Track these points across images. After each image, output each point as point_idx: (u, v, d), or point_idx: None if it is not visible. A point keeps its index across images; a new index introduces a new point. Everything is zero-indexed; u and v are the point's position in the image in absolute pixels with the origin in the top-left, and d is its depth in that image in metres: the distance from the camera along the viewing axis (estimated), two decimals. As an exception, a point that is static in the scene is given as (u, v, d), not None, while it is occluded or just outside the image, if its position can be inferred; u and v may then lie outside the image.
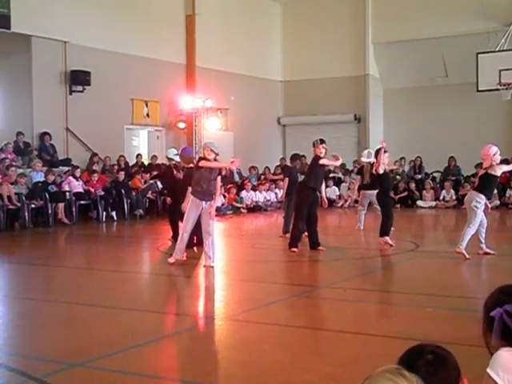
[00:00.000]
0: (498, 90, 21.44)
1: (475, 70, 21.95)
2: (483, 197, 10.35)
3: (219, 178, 10.37)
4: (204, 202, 10.07)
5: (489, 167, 10.36)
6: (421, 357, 2.28)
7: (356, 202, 22.21)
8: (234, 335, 6.38)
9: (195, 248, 11.74)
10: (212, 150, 10.00)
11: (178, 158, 13.22)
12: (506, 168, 10.91)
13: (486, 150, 10.44)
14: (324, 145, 12.21)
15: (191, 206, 10.14)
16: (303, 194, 11.90)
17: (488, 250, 10.74)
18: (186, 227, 10.24)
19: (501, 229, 16.41)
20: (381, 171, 12.23)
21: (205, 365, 5.45)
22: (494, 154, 10.35)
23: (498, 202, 21.19)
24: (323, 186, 12.68)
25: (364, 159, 14.25)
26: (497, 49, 22.29)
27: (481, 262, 10.51)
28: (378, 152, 12.55)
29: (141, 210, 19.21)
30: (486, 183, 10.46)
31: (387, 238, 12.19)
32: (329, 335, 6.18)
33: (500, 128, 24.47)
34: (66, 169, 18.63)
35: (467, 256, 10.39)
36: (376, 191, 13.12)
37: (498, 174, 10.42)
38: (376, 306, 7.75)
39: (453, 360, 2.30)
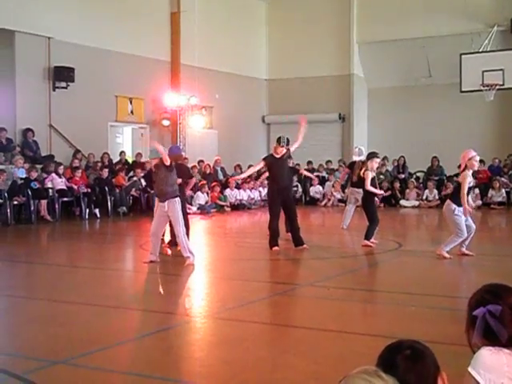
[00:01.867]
0: (481, 90, 21.58)
1: (459, 70, 22.07)
2: (456, 207, 10.35)
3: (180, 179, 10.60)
4: (164, 204, 10.12)
5: (461, 173, 10.40)
6: (399, 352, 2.28)
7: (340, 201, 22.35)
8: (216, 333, 6.38)
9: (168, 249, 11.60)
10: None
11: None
12: (464, 203, 10.35)
13: (463, 153, 10.49)
14: (284, 145, 12.30)
15: (156, 208, 10.39)
16: (271, 194, 12.01)
17: (467, 252, 10.77)
18: (151, 229, 10.38)
19: (483, 229, 16.49)
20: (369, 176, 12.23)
21: (187, 363, 5.44)
22: (470, 159, 10.30)
23: (480, 202, 21.35)
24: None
25: (355, 157, 14.20)
26: (480, 50, 22.43)
27: (463, 261, 10.57)
28: (370, 157, 12.56)
29: (124, 208, 19.13)
30: (458, 192, 10.49)
31: (367, 241, 12.22)
32: (312, 333, 6.19)
33: (483, 128, 24.66)
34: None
35: (448, 256, 10.46)
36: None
37: (465, 186, 10.25)
38: (359, 304, 7.77)
39: (430, 354, 2.31)
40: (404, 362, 2.26)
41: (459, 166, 10.59)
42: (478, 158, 10.52)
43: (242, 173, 21.65)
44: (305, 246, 11.83)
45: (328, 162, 25.37)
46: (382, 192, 14.20)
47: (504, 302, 2.69)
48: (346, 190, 15.75)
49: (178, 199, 10.15)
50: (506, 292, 2.76)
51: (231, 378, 4.84)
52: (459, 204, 10.31)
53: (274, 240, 11.78)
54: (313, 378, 4.77)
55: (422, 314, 6.77)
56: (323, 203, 23.35)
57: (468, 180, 10.29)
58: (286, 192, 12.02)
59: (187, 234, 10.99)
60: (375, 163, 12.53)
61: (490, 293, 2.77)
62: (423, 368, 2.29)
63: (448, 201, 10.68)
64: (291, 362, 5.18)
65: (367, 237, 12.25)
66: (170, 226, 10.62)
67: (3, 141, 18.11)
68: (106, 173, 19.10)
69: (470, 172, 10.35)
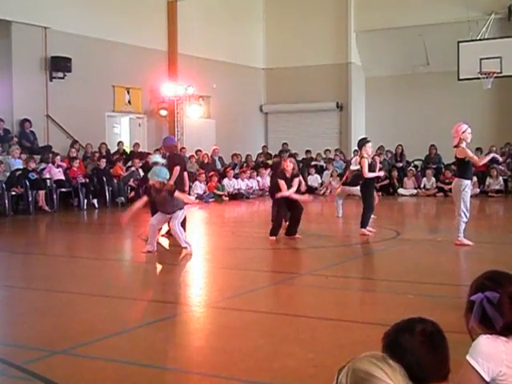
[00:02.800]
0: (478, 78, 21.53)
1: (456, 58, 22.02)
2: (466, 182, 10.40)
3: (177, 168, 10.47)
4: (168, 215, 10.27)
5: (457, 148, 10.38)
6: (413, 333, 2.32)
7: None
8: (215, 322, 6.39)
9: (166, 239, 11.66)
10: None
11: (160, 160, 12.92)
12: (479, 160, 10.81)
13: (455, 127, 10.47)
14: (293, 160, 12.53)
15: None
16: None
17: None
18: (151, 220, 10.42)
19: (481, 217, 16.53)
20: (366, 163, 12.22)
21: (186, 352, 5.45)
22: (463, 132, 10.32)
23: (477, 190, 21.35)
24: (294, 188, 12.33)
25: (353, 167, 14.16)
26: (478, 37, 22.37)
27: (461, 249, 10.58)
28: (362, 143, 12.58)
29: (122, 198, 19.13)
30: (461, 167, 10.51)
31: (364, 230, 12.24)
32: (310, 322, 6.20)
33: (481, 116, 24.60)
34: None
35: (470, 243, 10.49)
36: (356, 187, 13.27)
37: (470, 153, 10.39)
38: (357, 293, 7.79)
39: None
40: (428, 340, 2.29)
41: (456, 146, 10.55)
42: (470, 131, 10.53)
43: (240, 162, 21.72)
44: (297, 235, 11.84)
45: (326, 150, 25.35)
46: (381, 173, 14.22)
47: (503, 290, 2.70)
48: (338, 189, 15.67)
49: (182, 210, 10.28)
50: (506, 280, 2.77)
51: (230, 367, 4.85)
52: (469, 178, 10.36)
53: (276, 231, 11.81)
54: (311, 365, 4.78)
55: (420, 302, 6.79)
56: (321, 192, 23.35)
57: (466, 151, 10.35)
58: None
59: (184, 225, 11.03)
60: (368, 148, 12.48)
61: (490, 279, 2.78)
62: (447, 349, 2.33)
63: (456, 178, 10.64)
64: (290, 350, 5.19)
65: (363, 225, 12.25)
66: None
67: (0, 131, 18.09)
68: (103, 163, 19.08)
69: (464, 144, 10.38)
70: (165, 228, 11.72)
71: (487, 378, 2.66)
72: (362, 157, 12.32)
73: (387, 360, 2.05)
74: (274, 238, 11.71)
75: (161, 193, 10.09)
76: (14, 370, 4.79)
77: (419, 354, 2.28)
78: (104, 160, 19.24)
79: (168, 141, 13.19)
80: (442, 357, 2.34)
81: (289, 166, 11.99)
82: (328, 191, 23.17)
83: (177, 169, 11.73)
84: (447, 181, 21.70)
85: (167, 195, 10.06)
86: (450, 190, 11.90)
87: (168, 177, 10.34)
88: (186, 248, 10.14)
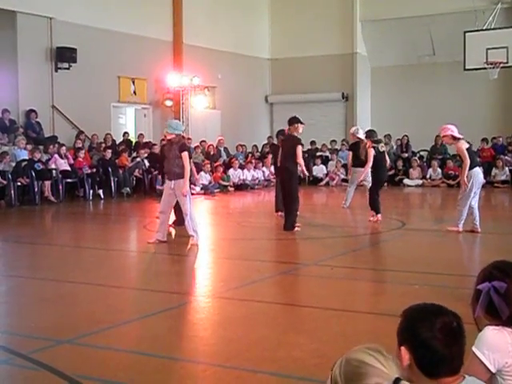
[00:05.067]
0: (485, 68, 21.43)
1: (462, 48, 21.91)
2: (470, 172, 10.51)
3: (186, 153, 10.30)
4: (171, 182, 10.17)
5: (456, 144, 10.56)
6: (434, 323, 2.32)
7: (344, 180, 22.32)
8: (220, 312, 6.40)
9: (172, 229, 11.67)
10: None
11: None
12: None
13: (444, 130, 10.95)
14: (302, 125, 11.92)
15: (164, 187, 10.42)
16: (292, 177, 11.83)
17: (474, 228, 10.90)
18: (160, 207, 10.43)
19: (487, 207, 16.49)
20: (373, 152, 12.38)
21: (191, 342, 5.47)
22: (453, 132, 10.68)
23: (483, 181, 21.30)
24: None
25: (361, 135, 14.16)
26: (484, 27, 22.26)
27: (467, 239, 10.58)
28: (369, 134, 12.73)
29: (128, 188, 19.15)
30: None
31: (378, 215, 12.42)
32: (315, 312, 6.21)
33: (487, 107, 24.56)
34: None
35: (458, 229, 10.62)
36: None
37: (462, 149, 10.54)
38: (362, 283, 7.79)
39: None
40: (448, 334, 2.30)
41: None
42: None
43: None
44: (297, 228, 11.63)
45: (332, 141, 25.27)
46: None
47: (511, 280, 2.70)
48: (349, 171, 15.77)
49: (183, 180, 10.15)
50: (514, 270, 2.77)
51: (235, 357, 4.87)
52: (471, 167, 10.56)
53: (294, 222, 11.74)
54: (316, 355, 4.79)
55: (426, 292, 6.78)
56: (325, 182, 23.32)
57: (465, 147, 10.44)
58: (282, 172, 11.97)
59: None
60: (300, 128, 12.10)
61: (498, 269, 2.78)
62: (464, 343, 2.34)
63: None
64: (295, 340, 5.20)
65: (377, 211, 12.38)
66: (175, 206, 10.65)
67: (6, 122, 18.09)
68: (109, 154, 19.08)
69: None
70: (171, 218, 11.74)
71: (493, 370, 2.66)
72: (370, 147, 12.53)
73: (381, 350, 2.05)
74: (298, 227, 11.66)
75: (172, 146, 10.15)
76: (20, 359, 4.82)
77: (435, 348, 2.28)
78: (110, 151, 19.24)
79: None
80: (458, 351, 2.34)
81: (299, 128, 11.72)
82: (334, 182, 23.14)
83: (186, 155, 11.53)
84: (450, 172, 21.67)
85: (177, 151, 10.08)
86: (457, 183, 12.10)
87: (183, 129, 10.44)
88: (192, 236, 10.14)
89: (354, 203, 14.91)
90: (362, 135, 13.94)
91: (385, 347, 2.05)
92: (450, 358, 2.30)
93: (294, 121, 11.87)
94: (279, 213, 12.85)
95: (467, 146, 10.78)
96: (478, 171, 10.77)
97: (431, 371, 2.28)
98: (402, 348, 2.30)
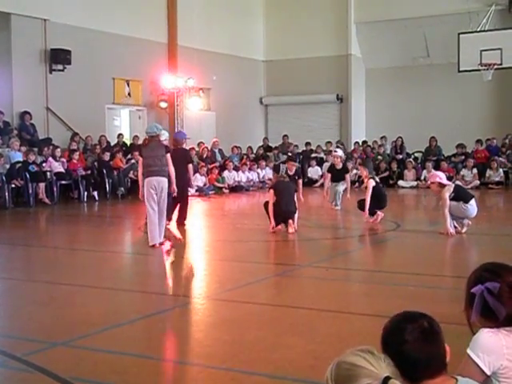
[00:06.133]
0: (479, 70, 21.49)
1: (457, 50, 21.97)
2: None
3: (168, 155, 10.27)
4: (154, 178, 10.09)
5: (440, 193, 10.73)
6: (411, 326, 2.32)
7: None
8: (215, 314, 6.40)
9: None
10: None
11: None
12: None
13: (433, 177, 11.06)
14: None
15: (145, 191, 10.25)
16: None
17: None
18: (149, 213, 10.29)
19: (481, 209, 16.49)
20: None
21: (186, 344, 5.46)
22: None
23: (477, 182, 21.39)
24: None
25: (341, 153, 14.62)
26: (478, 29, 22.32)
27: (461, 241, 10.59)
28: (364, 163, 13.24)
29: (122, 189, 19.14)
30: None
31: (378, 213, 12.49)
32: (310, 314, 6.21)
33: (481, 108, 24.63)
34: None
35: (452, 231, 10.61)
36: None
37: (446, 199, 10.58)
38: (357, 284, 7.79)
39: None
40: (418, 337, 2.29)
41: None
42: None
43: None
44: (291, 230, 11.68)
45: (328, 142, 25.28)
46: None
47: (503, 280, 2.70)
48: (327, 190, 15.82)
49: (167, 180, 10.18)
50: (504, 270, 2.76)
51: (230, 358, 4.86)
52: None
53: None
54: (311, 357, 4.79)
55: (420, 293, 6.79)
56: (321, 184, 23.32)
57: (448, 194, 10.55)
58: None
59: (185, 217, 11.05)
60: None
61: (488, 271, 2.78)
62: (439, 343, 2.33)
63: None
64: (290, 341, 5.20)
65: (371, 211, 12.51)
66: (176, 205, 10.70)
67: (0, 124, 18.05)
68: (107, 156, 19.14)
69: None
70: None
71: (488, 372, 2.66)
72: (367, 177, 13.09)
73: (372, 350, 2.06)
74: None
75: (158, 147, 10.14)
76: (15, 361, 4.80)
77: (407, 353, 2.28)
78: (108, 153, 19.27)
79: (180, 135, 13.50)
80: (435, 352, 2.34)
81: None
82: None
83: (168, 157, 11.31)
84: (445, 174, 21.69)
85: (162, 151, 10.10)
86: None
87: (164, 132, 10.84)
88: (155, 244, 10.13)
89: (348, 206, 14.91)
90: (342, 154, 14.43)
91: (378, 348, 2.05)
92: (426, 359, 2.30)
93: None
94: None
95: (452, 192, 10.68)
96: (474, 206, 10.80)
97: (411, 376, 2.28)
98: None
